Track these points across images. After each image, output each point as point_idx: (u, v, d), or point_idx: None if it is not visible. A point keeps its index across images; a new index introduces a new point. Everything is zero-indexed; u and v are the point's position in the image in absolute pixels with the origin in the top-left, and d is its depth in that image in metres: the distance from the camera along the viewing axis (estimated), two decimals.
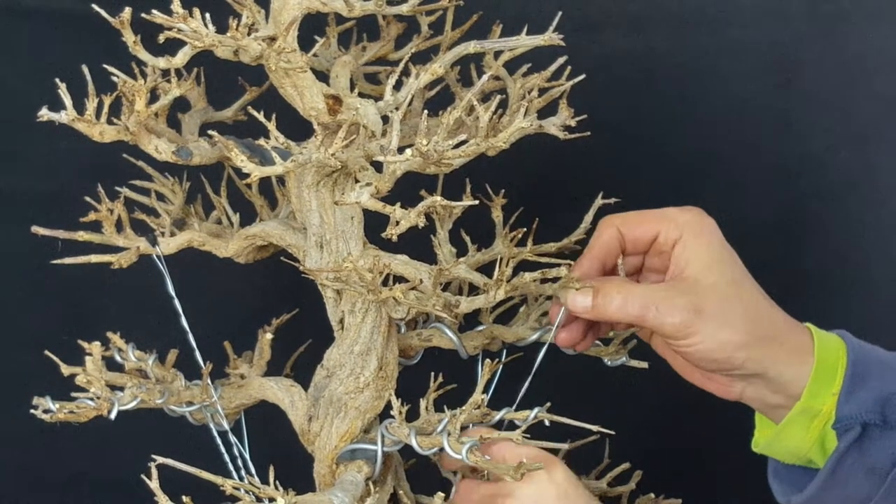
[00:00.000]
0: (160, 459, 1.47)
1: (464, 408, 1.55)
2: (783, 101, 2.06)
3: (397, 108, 1.38)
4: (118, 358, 1.75)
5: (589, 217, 1.70)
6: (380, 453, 1.63)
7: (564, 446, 1.62)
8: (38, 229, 1.66)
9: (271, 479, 1.50)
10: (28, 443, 2.33)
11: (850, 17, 2.02)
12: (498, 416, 1.60)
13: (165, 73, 1.53)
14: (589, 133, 1.56)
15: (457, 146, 1.33)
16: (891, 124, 2.07)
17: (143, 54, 1.42)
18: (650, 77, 2.04)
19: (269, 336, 1.79)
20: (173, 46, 1.41)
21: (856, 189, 2.09)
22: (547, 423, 1.60)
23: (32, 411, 1.64)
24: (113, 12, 1.40)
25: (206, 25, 1.36)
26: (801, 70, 2.05)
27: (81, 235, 1.68)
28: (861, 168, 2.08)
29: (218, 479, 1.46)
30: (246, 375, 1.78)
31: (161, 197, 1.75)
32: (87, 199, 1.67)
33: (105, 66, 1.50)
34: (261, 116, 1.41)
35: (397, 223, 1.33)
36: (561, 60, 1.58)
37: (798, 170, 2.09)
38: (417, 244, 1.65)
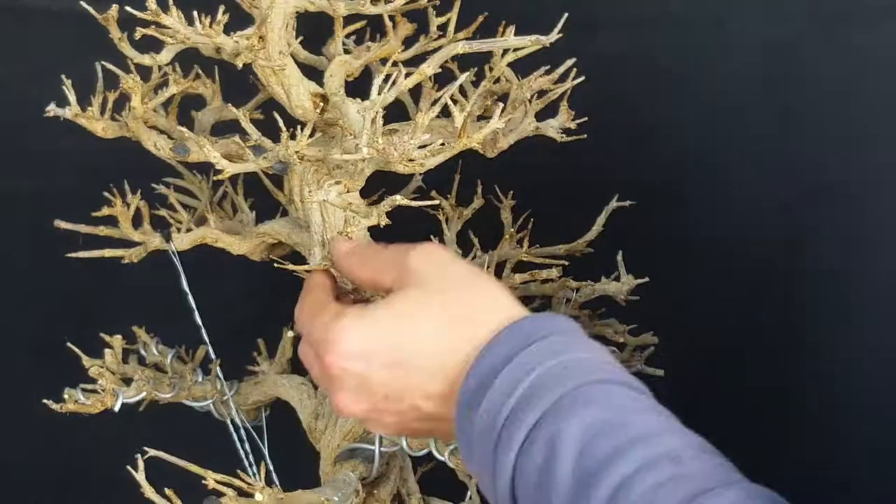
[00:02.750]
0: (151, 452, 1.50)
1: None
2: (783, 101, 2.02)
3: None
4: (142, 352, 1.79)
5: (601, 219, 1.68)
6: (377, 453, 1.63)
7: None
8: (60, 223, 1.70)
9: (262, 475, 1.52)
10: (28, 443, 2.36)
11: (850, 17, 1.98)
12: None
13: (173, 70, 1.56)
14: (585, 136, 1.53)
15: (423, 146, 1.33)
16: (891, 124, 2.01)
17: (129, 51, 1.44)
18: (650, 77, 2.01)
19: (290, 334, 1.80)
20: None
21: (856, 188, 2.04)
22: None
23: (45, 401, 1.68)
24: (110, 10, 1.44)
25: (187, 23, 1.37)
26: (801, 70, 2.00)
27: (102, 230, 1.71)
28: (861, 168, 2.03)
29: (201, 472, 1.48)
30: (265, 372, 1.80)
31: (191, 195, 1.77)
32: (105, 194, 1.69)
33: (104, 63, 1.53)
34: (240, 113, 1.42)
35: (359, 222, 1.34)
36: (569, 63, 1.56)
37: (798, 170, 2.04)
38: None
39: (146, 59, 1.43)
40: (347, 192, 1.37)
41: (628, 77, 2.01)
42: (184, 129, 1.47)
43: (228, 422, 1.77)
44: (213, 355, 1.73)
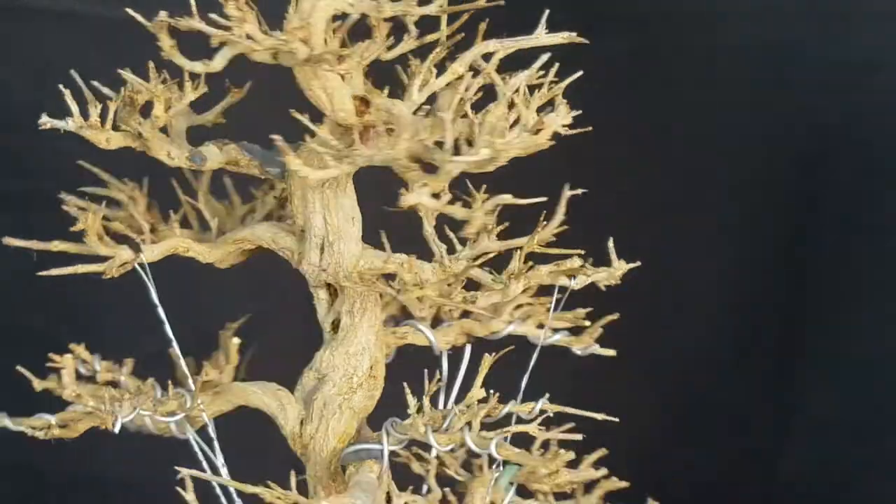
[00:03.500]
0: (184, 471, 1.47)
1: (478, 403, 1.57)
2: (783, 101, 2.11)
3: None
4: (82, 370, 1.71)
5: (562, 207, 1.70)
6: (385, 452, 1.64)
7: (579, 437, 1.64)
8: (10, 241, 1.62)
9: (294, 486, 1.51)
10: (28, 443, 2.26)
11: (851, 17, 2.09)
12: (505, 409, 1.61)
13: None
14: (590, 128, 1.57)
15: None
16: (890, 123, 2.14)
17: (180, 59, 1.40)
18: (650, 77, 2.07)
19: (235, 340, 1.76)
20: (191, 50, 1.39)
21: (856, 188, 2.15)
22: (551, 413, 1.63)
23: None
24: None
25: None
26: (801, 70, 2.11)
27: (56, 245, 1.63)
28: (861, 167, 2.15)
29: (257, 490, 1.46)
30: (218, 382, 1.75)
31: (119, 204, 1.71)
32: (72, 208, 1.62)
33: (120, 70, 1.48)
34: (306, 120, 1.40)
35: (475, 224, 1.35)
36: (578, 72, 1.57)
37: (798, 169, 2.13)
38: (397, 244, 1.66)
39: (198, 67, 1.39)
40: (435, 194, 1.38)
41: (629, 76, 2.05)
42: (275, 137, 1.43)
43: (190, 436, 1.72)
44: (185, 369, 1.69)
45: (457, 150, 1.36)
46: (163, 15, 1.37)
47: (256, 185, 1.77)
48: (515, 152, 1.36)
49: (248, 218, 1.75)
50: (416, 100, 1.46)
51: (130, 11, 1.37)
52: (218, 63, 1.40)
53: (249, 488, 1.51)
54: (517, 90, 1.44)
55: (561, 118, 1.57)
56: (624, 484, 1.84)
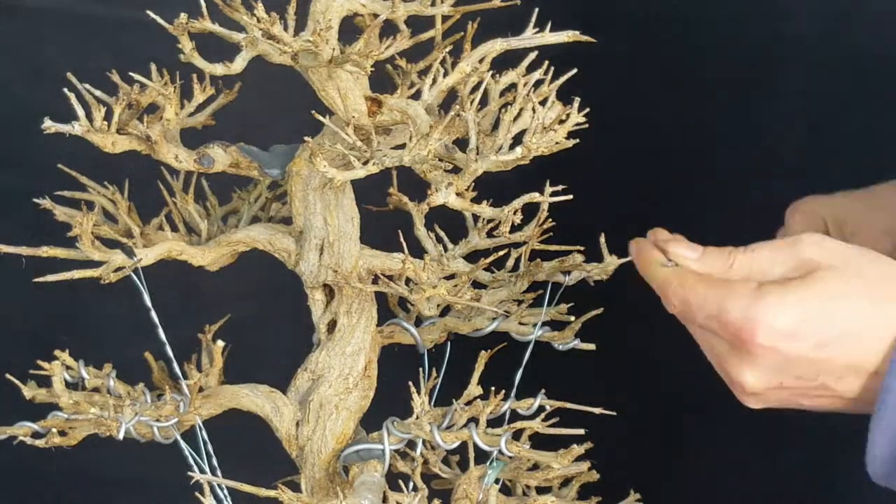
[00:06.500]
0: (197, 476, 1.46)
1: (487, 401, 1.58)
2: (783, 101, 2.14)
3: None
4: (67, 377, 1.68)
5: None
6: (387, 451, 1.64)
7: (580, 431, 1.65)
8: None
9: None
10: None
11: (851, 17, 2.10)
12: (506, 405, 1.62)
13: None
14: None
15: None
16: (891, 124, 2.13)
17: (200, 61, 1.39)
18: (649, 77, 2.07)
19: (220, 343, 1.74)
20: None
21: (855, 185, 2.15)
22: (548, 408, 1.64)
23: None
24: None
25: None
26: (801, 70, 2.13)
27: (46, 251, 1.60)
28: (862, 168, 2.14)
29: (271, 493, 1.46)
30: (205, 386, 1.73)
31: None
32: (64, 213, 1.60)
33: (132, 73, 1.46)
34: (326, 120, 1.40)
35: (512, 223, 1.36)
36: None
37: (798, 170, 2.13)
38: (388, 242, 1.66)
39: (218, 69, 1.38)
40: (459, 193, 1.39)
41: (629, 76, 2.05)
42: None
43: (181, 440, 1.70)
44: (178, 372, 1.67)
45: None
46: (183, 17, 1.36)
47: (231, 186, 1.76)
48: (542, 151, 1.37)
49: (229, 219, 1.75)
50: (427, 99, 1.46)
51: (151, 14, 1.36)
52: (238, 65, 1.39)
53: (263, 492, 1.51)
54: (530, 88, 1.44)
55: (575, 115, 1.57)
56: (595, 476, 1.85)
